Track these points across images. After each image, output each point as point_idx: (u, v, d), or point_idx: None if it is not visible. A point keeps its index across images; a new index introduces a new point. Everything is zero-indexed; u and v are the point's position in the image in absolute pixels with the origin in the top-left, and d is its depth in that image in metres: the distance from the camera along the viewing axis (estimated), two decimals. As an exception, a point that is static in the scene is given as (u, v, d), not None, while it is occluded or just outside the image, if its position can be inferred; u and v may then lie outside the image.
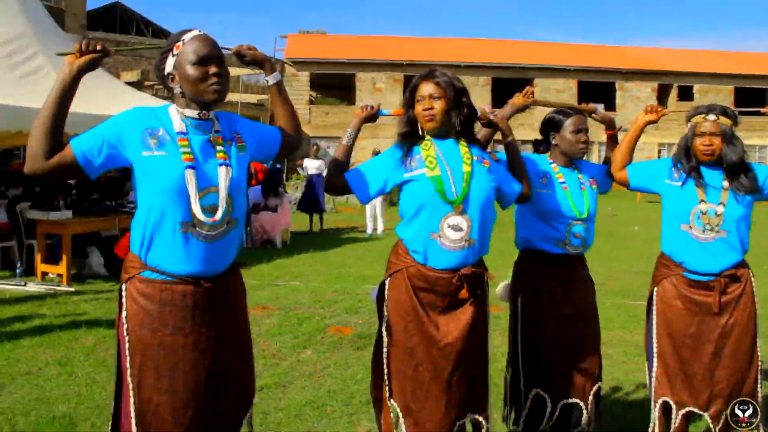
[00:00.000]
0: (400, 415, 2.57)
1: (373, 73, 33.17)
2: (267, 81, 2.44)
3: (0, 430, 3.46)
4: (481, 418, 2.63)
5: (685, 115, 3.11)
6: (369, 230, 12.81)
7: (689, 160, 3.01)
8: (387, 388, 2.60)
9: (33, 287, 7.13)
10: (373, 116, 2.73)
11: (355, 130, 2.70)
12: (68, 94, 2.09)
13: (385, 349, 2.60)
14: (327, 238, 12.26)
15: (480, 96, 33.41)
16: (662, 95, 34.95)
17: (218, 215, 2.14)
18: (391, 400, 2.59)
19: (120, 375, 2.19)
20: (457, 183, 2.53)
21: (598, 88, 34.98)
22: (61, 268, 7.42)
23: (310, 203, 13.46)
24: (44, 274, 7.63)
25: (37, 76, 7.88)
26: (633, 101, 34.34)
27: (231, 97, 29.75)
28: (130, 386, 2.14)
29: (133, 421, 2.13)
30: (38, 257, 7.63)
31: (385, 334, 2.60)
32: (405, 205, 2.59)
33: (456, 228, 2.50)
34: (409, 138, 2.62)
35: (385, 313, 2.61)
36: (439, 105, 2.55)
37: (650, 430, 3.15)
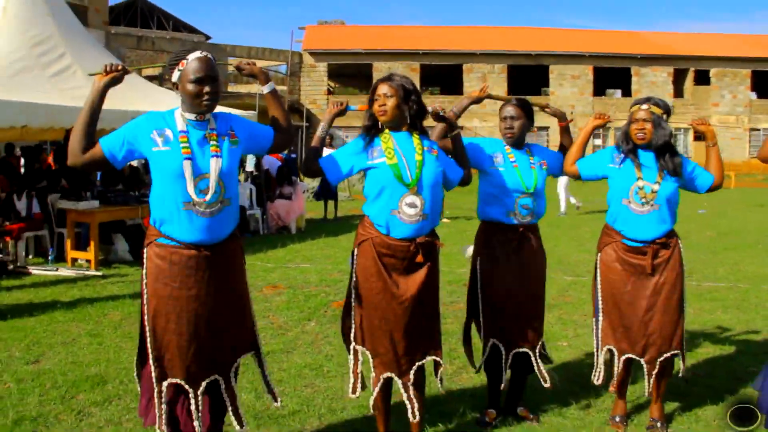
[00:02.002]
0: (369, 356, 3.12)
1: (389, 63, 33.53)
2: (263, 90, 3.00)
3: (43, 386, 4.05)
4: (436, 357, 3.19)
5: (629, 106, 3.63)
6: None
7: (627, 144, 3.54)
8: (354, 336, 3.15)
9: (64, 272, 7.73)
10: (342, 111, 3.24)
11: (328, 124, 3.21)
12: (98, 105, 2.71)
13: (353, 305, 3.15)
14: (340, 225, 12.77)
15: (496, 83, 33.66)
16: (679, 80, 34.92)
17: (209, 196, 2.70)
18: (359, 346, 3.14)
19: (142, 320, 2.77)
20: (412, 169, 3.04)
21: (614, 74, 35.05)
22: (90, 254, 8.04)
23: (324, 191, 13.98)
24: (74, 260, 8.24)
25: (65, 74, 8.50)
26: (650, 86, 34.33)
27: (251, 88, 30.42)
28: (147, 328, 2.73)
29: (151, 356, 2.72)
30: (68, 244, 8.25)
31: (354, 293, 3.14)
32: (369, 188, 3.11)
33: (412, 205, 3.02)
34: (371, 130, 3.13)
35: (354, 276, 3.14)
36: (391, 102, 3.06)
37: (594, 374, 3.67)
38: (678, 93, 34.76)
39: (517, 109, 3.62)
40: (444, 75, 35.14)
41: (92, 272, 7.72)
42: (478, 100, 3.72)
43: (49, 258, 8.21)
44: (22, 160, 10.68)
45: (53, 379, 4.17)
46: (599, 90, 35.76)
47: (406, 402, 3.12)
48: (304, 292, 6.70)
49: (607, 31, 38.62)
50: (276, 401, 3.05)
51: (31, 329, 5.32)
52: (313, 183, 17.92)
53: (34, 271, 7.73)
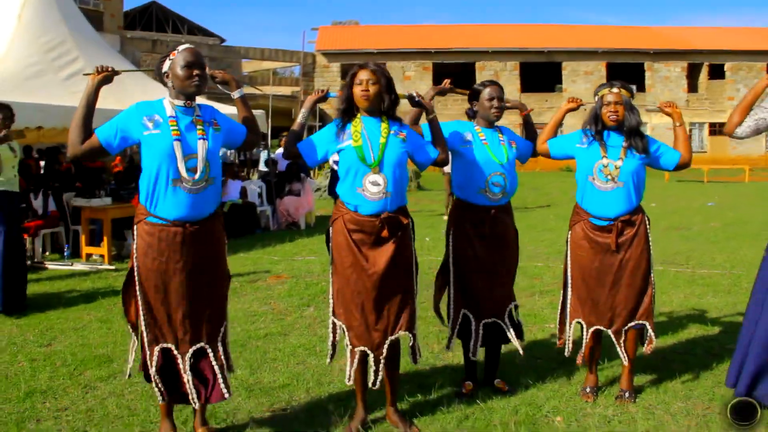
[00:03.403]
0: (345, 329, 3.36)
1: (402, 62, 33.86)
2: (233, 95, 3.34)
3: (53, 364, 4.37)
4: (409, 334, 3.40)
5: (594, 91, 3.85)
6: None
7: (597, 126, 3.75)
8: (333, 310, 3.41)
9: (79, 267, 8.06)
10: (323, 98, 3.51)
11: (308, 110, 3.49)
12: (92, 101, 3.04)
13: (331, 280, 3.41)
14: (349, 221, 12.98)
15: (509, 80, 33.82)
16: (693, 74, 34.85)
17: (197, 174, 3.00)
18: (337, 320, 3.40)
19: (131, 293, 3.06)
20: (375, 150, 3.28)
21: (627, 69, 35.01)
22: (103, 249, 8.36)
23: (334, 188, 14.24)
24: (88, 255, 8.56)
25: (78, 78, 8.81)
26: (663, 81, 34.34)
27: (264, 89, 30.77)
28: (139, 298, 3.01)
29: (143, 322, 3.02)
30: (83, 240, 8.59)
31: (330, 269, 3.41)
32: (340, 169, 3.36)
33: (375, 183, 3.27)
34: (346, 114, 3.37)
35: (330, 252, 3.41)
36: (373, 88, 3.29)
37: (566, 348, 3.92)
38: (692, 88, 34.71)
39: (501, 91, 3.90)
40: (457, 73, 35.33)
41: (105, 266, 8.02)
42: (443, 92, 3.97)
43: (65, 254, 8.55)
44: (42, 162, 11.09)
45: (63, 358, 4.49)
46: (613, 86, 35.72)
47: (372, 374, 3.34)
48: (305, 281, 6.97)
49: (619, 26, 38.65)
50: (229, 369, 3.27)
51: (46, 317, 5.64)
52: (325, 181, 18.24)
53: (51, 266, 8.08)
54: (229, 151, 14.57)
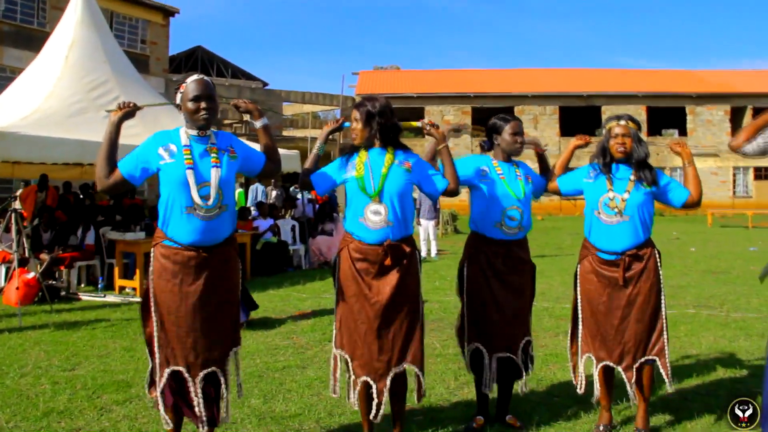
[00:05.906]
0: (348, 359, 3.36)
1: (441, 106, 34.08)
2: (255, 125, 3.40)
3: (74, 387, 4.47)
4: (414, 367, 3.35)
5: (603, 123, 3.86)
6: (423, 253, 13.47)
7: (605, 158, 3.75)
8: (335, 340, 3.41)
9: (111, 298, 8.26)
10: (338, 128, 3.59)
11: (322, 142, 3.57)
12: (114, 136, 3.14)
13: (335, 310, 3.42)
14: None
15: (548, 125, 33.81)
16: (736, 118, 34.36)
17: (210, 202, 3.07)
18: (339, 351, 3.40)
19: (148, 313, 3.13)
20: (376, 180, 3.33)
21: (668, 113, 34.75)
22: (135, 282, 8.55)
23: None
24: (121, 288, 8.78)
25: (118, 116, 9.17)
26: (705, 125, 33.94)
27: (304, 133, 31.31)
28: (154, 319, 3.08)
29: (156, 343, 3.08)
30: (116, 273, 8.81)
31: (336, 298, 3.43)
32: (346, 199, 3.42)
33: (376, 213, 3.31)
34: (350, 149, 3.47)
35: (336, 282, 3.43)
36: (358, 126, 3.39)
37: (576, 383, 3.84)
38: (736, 131, 34.17)
39: (522, 125, 3.93)
40: (495, 117, 35.45)
41: (137, 299, 8.13)
42: (457, 130, 4.03)
43: (99, 286, 8.76)
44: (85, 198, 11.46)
45: (84, 382, 4.59)
46: (654, 130, 35.42)
47: (374, 407, 3.31)
48: (329, 317, 6.97)
49: (660, 70, 38.44)
50: (239, 395, 3.38)
51: (73, 343, 5.79)
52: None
53: (84, 297, 8.28)
54: (274, 191, 14.80)
